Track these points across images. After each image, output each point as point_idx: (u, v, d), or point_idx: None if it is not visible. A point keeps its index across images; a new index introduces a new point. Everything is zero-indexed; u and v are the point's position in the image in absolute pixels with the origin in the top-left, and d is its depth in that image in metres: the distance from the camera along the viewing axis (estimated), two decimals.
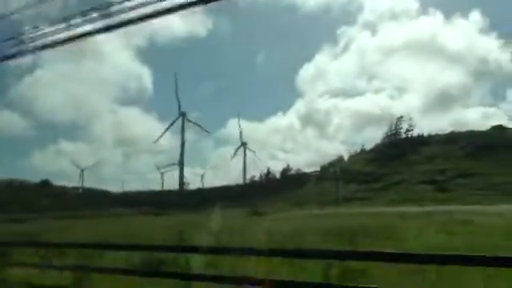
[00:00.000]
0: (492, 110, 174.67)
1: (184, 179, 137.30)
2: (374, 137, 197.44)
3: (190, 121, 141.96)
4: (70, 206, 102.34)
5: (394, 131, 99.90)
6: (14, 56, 7.05)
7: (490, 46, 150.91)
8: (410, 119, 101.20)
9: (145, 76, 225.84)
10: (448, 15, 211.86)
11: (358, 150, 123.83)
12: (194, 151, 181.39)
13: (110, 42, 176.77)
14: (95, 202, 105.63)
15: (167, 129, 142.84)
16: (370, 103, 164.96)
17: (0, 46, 6.96)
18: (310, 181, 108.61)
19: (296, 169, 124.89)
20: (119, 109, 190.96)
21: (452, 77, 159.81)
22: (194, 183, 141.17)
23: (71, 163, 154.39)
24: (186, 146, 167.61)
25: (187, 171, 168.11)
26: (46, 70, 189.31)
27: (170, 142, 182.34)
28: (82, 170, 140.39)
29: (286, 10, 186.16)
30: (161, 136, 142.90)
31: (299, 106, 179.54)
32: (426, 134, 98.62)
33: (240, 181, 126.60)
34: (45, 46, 7.30)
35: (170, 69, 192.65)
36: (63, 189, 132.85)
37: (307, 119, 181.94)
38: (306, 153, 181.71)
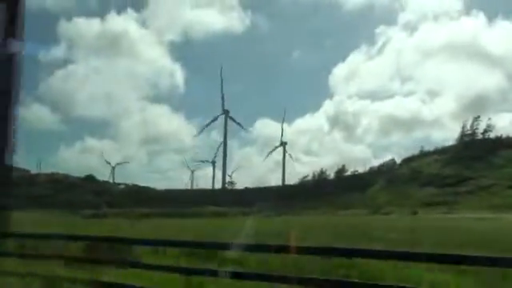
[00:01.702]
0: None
1: (229, 179, 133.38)
2: (401, 142, 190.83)
3: (232, 119, 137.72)
4: (130, 202, 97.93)
5: (470, 132, 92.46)
6: None
7: None
8: (489, 119, 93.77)
9: (177, 73, 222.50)
10: (491, 16, 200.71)
11: (417, 152, 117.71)
12: (219, 151, 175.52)
13: (144, 38, 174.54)
14: (154, 199, 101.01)
15: (208, 125, 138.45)
16: (399, 106, 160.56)
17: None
18: (371, 182, 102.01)
19: (353, 170, 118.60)
20: (149, 106, 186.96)
21: (490, 81, 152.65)
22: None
23: (99, 160, 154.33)
24: (212, 145, 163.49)
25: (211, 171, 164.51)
26: (79, 65, 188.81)
27: (196, 140, 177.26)
28: (113, 167, 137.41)
29: (328, 7, 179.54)
30: (201, 131, 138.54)
31: (328, 107, 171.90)
32: (504, 135, 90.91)
33: (277, 181, 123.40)
34: None
35: (204, 65, 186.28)
36: (107, 184, 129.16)
37: (335, 121, 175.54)
38: (331, 156, 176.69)
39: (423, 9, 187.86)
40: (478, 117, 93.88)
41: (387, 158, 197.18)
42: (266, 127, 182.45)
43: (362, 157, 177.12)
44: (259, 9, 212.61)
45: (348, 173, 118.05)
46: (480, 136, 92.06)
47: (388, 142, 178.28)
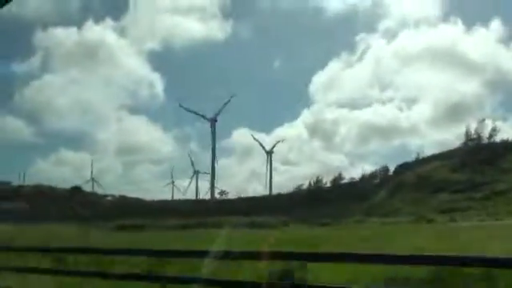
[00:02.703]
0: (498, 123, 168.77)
1: (218, 189, 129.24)
2: (378, 149, 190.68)
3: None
4: (126, 213, 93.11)
5: (475, 136, 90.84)
6: None
7: (508, 57, 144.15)
8: (494, 122, 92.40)
9: (156, 82, 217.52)
10: (469, 23, 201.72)
11: (411, 159, 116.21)
12: (196, 162, 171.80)
13: (122, 47, 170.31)
14: (151, 211, 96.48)
15: (193, 112, 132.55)
16: (377, 114, 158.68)
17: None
18: (373, 190, 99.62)
19: (349, 177, 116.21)
20: (127, 117, 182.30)
21: (467, 87, 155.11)
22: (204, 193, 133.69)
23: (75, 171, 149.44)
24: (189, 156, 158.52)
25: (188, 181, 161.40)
26: (55, 75, 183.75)
27: (172, 151, 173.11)
28: (93, 179, 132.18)
29: (309, 15, 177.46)
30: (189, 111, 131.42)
31: (307, 115, 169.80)
32: (510, 139, 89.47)
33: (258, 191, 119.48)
34: None
35: (183, 75, 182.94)
36: (93, 195, 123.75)
37: (313, 130, 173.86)
38: (309, 165, 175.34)
39: (403, 15, 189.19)
40: (483, 120, 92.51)
41: (364, 166, 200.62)
42: (244, 137, 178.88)
43: (339, 165, 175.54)
44: (240, 17, 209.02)
45: (345, 180, 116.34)
46: (485, 140, 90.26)
47: (365, 150, 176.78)
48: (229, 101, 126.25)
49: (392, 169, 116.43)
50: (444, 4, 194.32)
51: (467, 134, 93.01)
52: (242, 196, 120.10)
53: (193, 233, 33.50)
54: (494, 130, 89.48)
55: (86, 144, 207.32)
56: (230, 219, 56.19)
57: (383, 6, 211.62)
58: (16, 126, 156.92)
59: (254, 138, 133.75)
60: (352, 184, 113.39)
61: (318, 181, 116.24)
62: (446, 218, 54.73)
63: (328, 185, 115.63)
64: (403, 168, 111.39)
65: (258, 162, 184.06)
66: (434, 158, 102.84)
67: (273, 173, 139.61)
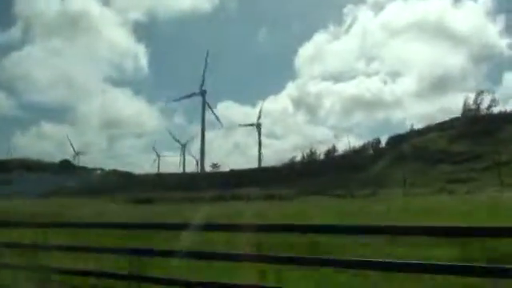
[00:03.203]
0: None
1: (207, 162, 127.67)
2: (362, 122, 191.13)
3: (208, 104, 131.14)
4: (121, 187, 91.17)
5: (475, 107, 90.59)
6: None
7: (494, 30, 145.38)
8: (493, 93, 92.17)
9: (140, 54, 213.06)
10: None
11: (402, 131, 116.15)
12: (181, 135, 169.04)
13: (106, 18, 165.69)
14: (146, 184, 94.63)
15: (183, 98, 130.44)
16: (361, 87, 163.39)
17: None
18: (370, 162, 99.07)
19: (343, 150, 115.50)
20: (110, 89, 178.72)
21: (453, 61, 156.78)
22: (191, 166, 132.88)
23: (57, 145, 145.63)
24: (173, 130, 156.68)
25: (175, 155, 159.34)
26: (36, 46, 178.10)
27: (156, 124, 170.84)
28: (77, 153, 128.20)
29: None
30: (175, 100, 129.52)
31: (292, 88, 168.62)
32: (508, 110, 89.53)
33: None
34: None
35: (168, 46, 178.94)
36: (84, 169, 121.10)
37: (298, 103, 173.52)
38: (293, 138, 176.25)
39: None
40: (482, 92, 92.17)
41: (348, 139, 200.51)
42: (229, 110, 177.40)
43: (323, 138, 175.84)
44: None
45: (339, 152, 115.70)
46: (484, 112, 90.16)
47: (350, 123, 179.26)
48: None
49: (384, 141, 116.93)
50: None
51: (465, 104, 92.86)
52: (235, 169, 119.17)
53: (227, 206, 31.75)
54: (494, 101, 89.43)
55: (68, 117, 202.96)
56: (241, 192, 55.16)
57: None
58: None
59: (240, 125, 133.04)
60: (345, 156, 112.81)
61: (312, 153, 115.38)
62: (464, 189, 54.51)
63: (321, 157, 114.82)
64: (396, 140, 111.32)
65: (241, 135, 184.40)
66: (428, 130, 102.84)
67: (256, 146, 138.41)
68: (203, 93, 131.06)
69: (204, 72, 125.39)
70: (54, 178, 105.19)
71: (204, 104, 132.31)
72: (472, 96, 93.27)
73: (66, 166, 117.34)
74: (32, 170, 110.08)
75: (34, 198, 52.50)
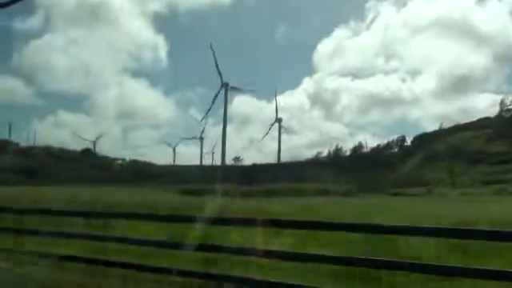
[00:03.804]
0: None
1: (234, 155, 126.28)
2: (378, 120, 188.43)
3: (235, 88, 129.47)
4: (148, 177, 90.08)
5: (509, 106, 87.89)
6: None
7: None
8: None
9: (160, 46, 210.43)
10: None
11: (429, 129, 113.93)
12: (194, 128, 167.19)
13: (126, 8, 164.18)
14: (168, 176, 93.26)
15: (213, 102, 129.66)
16: (379, 85, 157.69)
17: None
18: (400, 160, 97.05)
19: (370, 147, 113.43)
20: (128, 80, 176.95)
21: (476, 60, 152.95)
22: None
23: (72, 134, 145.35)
24: (189, 121, 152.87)
25: (188, 148, 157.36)
26: (56, 34, 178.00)
27: (172, 116, 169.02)
28: (94, 142, 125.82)
29: None
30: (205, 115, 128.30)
31: (309, 84, 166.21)
32: None
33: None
34: None
35: (188, 38, 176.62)
36: (106, 159, 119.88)
37: (315, 99, 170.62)
38: (309, 134, 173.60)
39: None
40: None
41: (363, 136, 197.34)
42: (244, 104, 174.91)
43: (338, 136, 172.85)
44: None
45: (365, 150, 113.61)
46: None
47: (365, 120, 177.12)
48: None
49: (409, 139, 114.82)
50: None
51: (502, 104, 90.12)
52: (257, 163, 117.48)
53: (306, 201, 29.58)
54: None
55: (84, 107, 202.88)
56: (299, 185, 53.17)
57: None
58: (14, 87, 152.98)
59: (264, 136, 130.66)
60: (371, 153, 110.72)
61: (338, 149, 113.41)
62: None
63: (348, 153, 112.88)
64: (423, 138, 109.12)
65: (256, 130, 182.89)
66: (456, 129, 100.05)
67: (271, 141, 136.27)
68: (225, 85, 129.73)
69: (217, 65, 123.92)
70: (78, 166, 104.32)
71: (226, 97, 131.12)
72: (498, 97, 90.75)
73: (87, 155, 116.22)
74: (55, 158, 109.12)
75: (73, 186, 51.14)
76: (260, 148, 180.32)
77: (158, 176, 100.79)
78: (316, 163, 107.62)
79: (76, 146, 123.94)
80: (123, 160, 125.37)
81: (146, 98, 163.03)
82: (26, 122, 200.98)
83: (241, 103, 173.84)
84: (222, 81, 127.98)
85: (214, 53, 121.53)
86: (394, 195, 42.04)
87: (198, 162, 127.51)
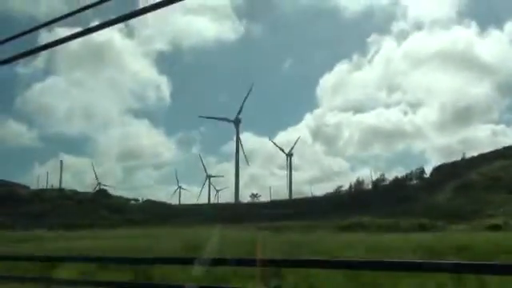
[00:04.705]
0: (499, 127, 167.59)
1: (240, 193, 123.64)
2: (380, 154, 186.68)
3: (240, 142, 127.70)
4: (167, 218, 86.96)
5: None
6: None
7: None
8: None
9: (163, 85, 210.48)
10: (483, 26, 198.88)
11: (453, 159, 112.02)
12: (196, 167, 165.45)
13: (129, 48, 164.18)
14: (184, 215, 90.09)
15: (213, 118, 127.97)
16: (381, 118, 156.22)
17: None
18: (416, 193, 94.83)
19: (392, 178, 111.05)
20: (131, 121, 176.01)
21: (478, 91, 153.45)
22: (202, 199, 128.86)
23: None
24: (190, 161, 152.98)
25: (191, 189, 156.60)
26: (59, 77, 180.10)
27: (174, 155, 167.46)
28: (99, 183, 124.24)
29: (325, 15, 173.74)
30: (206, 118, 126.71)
31: (310, 119, 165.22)
32: None
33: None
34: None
35: (192, 76, 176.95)
36: (120, 199, 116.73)
37: (316, 134, 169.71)
38: (310, 169, 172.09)
39: (418, 17, 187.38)
40: None
41: (365, 170, 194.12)
42: (247, 141, 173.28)
43: (339, 170, 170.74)
44: (254, 17, 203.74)
45: (385, 183, 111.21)
46: None
47: (367, 155, 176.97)
48: (248, 95, 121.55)
49: (429, 170, 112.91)
50: (459, 6, 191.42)
51: None
52: (274, 199, 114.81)
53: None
54: None
55: (87, 149, 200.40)
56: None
57: (400, 7, 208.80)
58: (17, 130, 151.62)
59: (274, 143, 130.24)
60: (393, 186, 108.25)
61: (359, 183, 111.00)
62: None
63: (369, 187, 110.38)
64: (442, 170, 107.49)
65: (257, 167, 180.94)
66: (484, 159, 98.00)
67: (271, 178, 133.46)
68: (237, 121, 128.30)
69: (244, 100, 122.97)
70: (92, 207, 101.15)
71: (238, 133, 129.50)
72: (499, 128, 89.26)
73: (101, 196, 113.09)
74: (70, 200, 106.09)
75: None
76: (261, 184, 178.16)
77: (176, 216, 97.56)
78: (338, 197, 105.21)
79: (77, 187, 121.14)
80: (136, 200, 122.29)
81: (148, 138, 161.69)
82: (28, 165, 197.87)
83: (243, 139, 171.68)
84: (237, 115, 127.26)
85: (250, 89, 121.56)
86: (487, 229, 38.30)
87: (201, 201, 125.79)
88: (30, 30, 4.63)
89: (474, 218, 56.85)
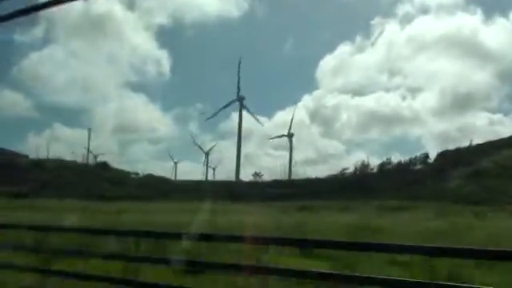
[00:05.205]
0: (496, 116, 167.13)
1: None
2: (376, 138, 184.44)
3: (245, 108, 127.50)
4: (171, 192, 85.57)
5: None
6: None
7: None
8: None
9: (163, 59, 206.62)
10: (489, 13, 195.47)
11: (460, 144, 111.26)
12: (192, 144, 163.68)
13: (129, 21, 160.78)
14: (190, 191, 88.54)
15: (221, 109, 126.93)
16: (380, 102, 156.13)
17: None
18: (424, 177, 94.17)
19: (396, 162, 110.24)
20: (128, 94, 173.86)
21: (479, 78, 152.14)
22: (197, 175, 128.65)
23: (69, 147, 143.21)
24: (187, 139, 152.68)
25: (185, 165, 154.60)
26: (57, 47, 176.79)
27: (170, 131, 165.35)
28: (96, 156, 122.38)
29: None
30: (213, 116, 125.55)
31: (309, 100, 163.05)
32: None
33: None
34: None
35: (192, 52, 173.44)
36: (122, 172, 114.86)
37: (314, 116, 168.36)
38: (304, 151, 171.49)
39: (423, 1, 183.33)
40: None
41: (360, 154, 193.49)
42: (243, 120, 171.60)
43: (334, 153, 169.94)
44: None
45: (390, 166, 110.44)
46: None
47: (363, 138, 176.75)
48: (229, 104, 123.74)
49: (433, 155, 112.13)
50: None
51: None
52: (277, 179, 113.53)
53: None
54: None
55: (82, 121, 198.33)
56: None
57: None
58: (14, 99, 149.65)
59: (272, 138, 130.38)
60: (397, 170, 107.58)
61: (364, 166, 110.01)
62: None
63: (375, 170, 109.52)
64: (451, 155, 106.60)
65: (251, 146, 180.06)
66: (490, 146, 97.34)
67: (266, 158, 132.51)
68: (241, 99, 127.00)
69: (238, 78, 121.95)
70: (94, 179, 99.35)
71: (241, 110, 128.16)
72: (496, 117, 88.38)
73: (103, 168, 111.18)
74: (69, 171, 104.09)
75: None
76: (255, 163, 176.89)
77: (178, 191, 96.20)
78: (345, 179, 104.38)
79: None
80: (136, 174, 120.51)
81: (146, 112, 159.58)
82: (23, 134, 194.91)
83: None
84: (238, 93, 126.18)
85: (239, 63, 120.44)
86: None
87: (195, 177, 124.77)
88: None
89: (493, 205, 56.00)
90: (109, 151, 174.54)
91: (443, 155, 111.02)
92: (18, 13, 4.35)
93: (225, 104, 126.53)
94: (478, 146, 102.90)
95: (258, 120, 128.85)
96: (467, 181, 78.49)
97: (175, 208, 34.47)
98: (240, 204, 48.03)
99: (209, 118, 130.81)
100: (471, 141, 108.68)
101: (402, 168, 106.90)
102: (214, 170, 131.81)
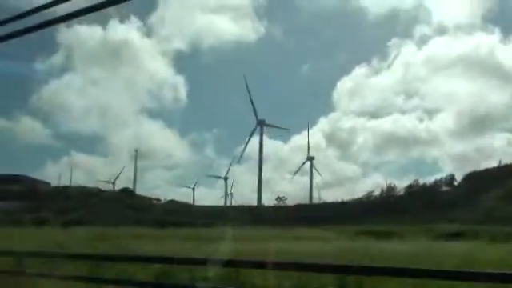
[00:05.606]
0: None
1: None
2: (392, 160, 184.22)
3: (269, 125, 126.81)
4: (194, 218, 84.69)
5: None
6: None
7: None
8: None
9: (180, 85, 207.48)
10: (507, 32, 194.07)
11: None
12: (211, 168, 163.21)
13: (147, 48, 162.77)
14: (214, 217, 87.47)
15: (248, 140, 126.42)
16: (397, 124, 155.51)
17: None
18: (453, 199, 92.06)
19: (422, 183, 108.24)
20: (145, 120, 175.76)
21: (497, 98, 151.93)
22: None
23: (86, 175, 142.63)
24: (204, 163, 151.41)
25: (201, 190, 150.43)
26: (75, 75, 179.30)
27: (186, 156, 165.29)
28: (113, 183, 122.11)
29: (347, 18, 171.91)
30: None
31: (325, 123, 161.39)
32: None
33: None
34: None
35: (209, 77, 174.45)
36: (144, 199, 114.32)
37: (330, 139, 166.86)
38: (322, 174, 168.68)
39: (440, 21, 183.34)
40: None
41: (376, 176, 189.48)
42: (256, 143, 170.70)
43: (351, 176, 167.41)
44: (275, 18, 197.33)
45: (417, 188, 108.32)
46: None
47: (379, 160, 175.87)
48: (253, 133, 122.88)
49: (460, 177, 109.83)
50: (484, 11, 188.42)
51: None
52: (301, 203, 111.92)
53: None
54: None
55: (99, 148, 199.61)
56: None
57: (424, 11, 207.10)
58: (32, 127, 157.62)
59: (295, 172, 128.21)
60: (426, 192, 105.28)
61: (390, 188, 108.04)
62: None
63: (401, 193, 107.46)
64: (474, 177, 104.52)
65: (268, 171, 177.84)
66: None
67: (282, 182, 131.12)
68: (261, 123, 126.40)
69: (252, 101, 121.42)
70: (117, 206, 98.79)
71: (262, 134, 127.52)
72: None
73: (128, 195, 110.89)
74: (93, 198, 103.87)
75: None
76: (272, 188, 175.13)
77: (203, 217, 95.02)
78: (370, 203, 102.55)
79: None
80: (158, 200, 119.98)
81: (162, 138, 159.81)
82: (42, 161, 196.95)
83: (255, 142, 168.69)
84: (257, 118, 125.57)
85: (247, 86, 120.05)
86: None
87: (212, 203, 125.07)
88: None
89: None
90: (126, 178, 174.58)
91: (470, 176, 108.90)
92: (27, 29, 4.33)
93: (249, 134, 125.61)
94: (507, 166, 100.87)
95: (283, 128, 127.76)
96: (502, 202, 76.45)
97: (261, 235, 32.50)
98: (298, 229, 46.61)
99: (240, 158, 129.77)
100: (500, 161, 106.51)
101: (428, 190, 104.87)
102: (231, 195, 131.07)
